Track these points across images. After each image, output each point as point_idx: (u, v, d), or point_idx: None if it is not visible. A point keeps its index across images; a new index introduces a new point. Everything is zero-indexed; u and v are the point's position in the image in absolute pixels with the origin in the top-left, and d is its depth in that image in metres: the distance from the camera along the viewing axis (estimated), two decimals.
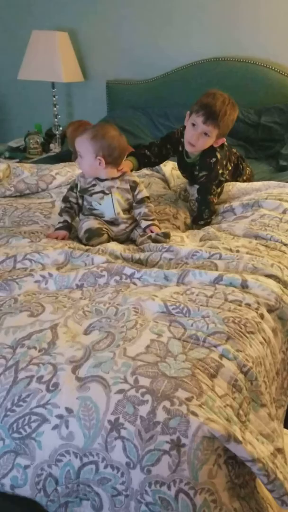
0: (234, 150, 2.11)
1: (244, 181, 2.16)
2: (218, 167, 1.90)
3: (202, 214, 1.90)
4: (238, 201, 1.96)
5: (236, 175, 2.13)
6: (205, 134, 1.81)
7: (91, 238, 1.64)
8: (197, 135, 1.81)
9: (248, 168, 2.19)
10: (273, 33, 2.80)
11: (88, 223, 1.68)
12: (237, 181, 2.13)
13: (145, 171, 2.29)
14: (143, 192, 1.75)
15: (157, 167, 2.32)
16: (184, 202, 2.08)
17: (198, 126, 1.80)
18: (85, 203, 1.74)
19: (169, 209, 1.94)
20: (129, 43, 3.16)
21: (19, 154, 3.24)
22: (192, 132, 1.82)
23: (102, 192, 1.70)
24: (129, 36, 3.15)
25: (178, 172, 2.17)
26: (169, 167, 2.31)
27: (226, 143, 1.95)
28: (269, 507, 0.99)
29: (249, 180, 2.19)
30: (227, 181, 2.04)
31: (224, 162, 1.96)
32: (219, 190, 1.97)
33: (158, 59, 3.07)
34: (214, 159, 1.88)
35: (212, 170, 1.89)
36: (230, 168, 2.04)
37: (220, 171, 1.91)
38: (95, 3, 3.17)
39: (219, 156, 1.89)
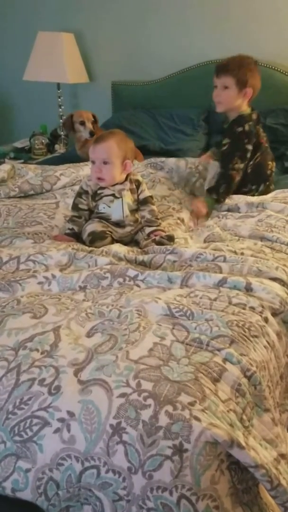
0: (265, 142, 2.08)
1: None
2: (244, 137, 1.93)
3: (219, 188, 1.91)
4: (244, 200, 1.97)
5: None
6: (225, 87, 1.95)
7: (94, 241, 1.63)
8: (218, 92, 1.97)
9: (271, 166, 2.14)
10: (279, 34, 2.79)
11: (91, 226, 1.67)
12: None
13: (149, 169, 2.29)
14: (146, 192, 1.75)
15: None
16: (192, 195, 2.09)
17: (216, 83, 1.98)
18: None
19: (172, 207, 1.95)
20: (134, 44, 3.16)
21: (24, 154, 3.25)
22: (215, 92, 1.99)
23: (113, 195, 1.69)
24: (135, 37, 3.15)
25: (181, 163, 2.19)
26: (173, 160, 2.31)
27: (259, 122, 2.03)
28: None
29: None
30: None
31: (253, 138, 1.98)
32: (242, 166, 1.96)
33: (163, 61, 3.07)
34: (240, 129, 1.94)
35: (236, 138, 1.94)
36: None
37: (246, 143, 1.95)
38: (101, 5, 3.17)
39: (247, 127, 1.94)
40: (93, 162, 1.66)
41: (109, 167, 1.63)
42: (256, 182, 2.07)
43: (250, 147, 1.96)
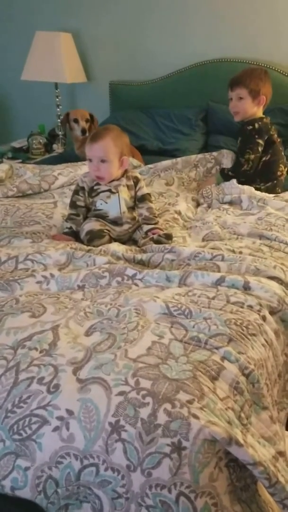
0: (279, 143, 2.18)
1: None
2: (254, 133, 2.07)
3: (229, 172, 2.10)
4: (248, 192, 2.02)
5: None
6: (240, 98, 2.11)
7: (92, 240, 1.63)
8: (235, 103, 2.13)
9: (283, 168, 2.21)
10: (276, 34, 2.79)
11: (89, 225, 1.68)
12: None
13: (149, 165, 2.30)
14: (144, 189, 1.75)
15: None
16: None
17: (230, 96, 2.15)
18: None
19: (168, 202, 1.98)
20: (132, 44, 3.15)
21: (22, 154, 3.25)
22: (231, 104, 2.16)
23: (109, 191, 1.69)
24: (132, 37, 3.14)
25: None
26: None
27: (271, 125, 2.15)
28: (270, 510, 0.99)
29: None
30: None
31: (264, 135, 2.10)
32: (252, 157, 2.07)
33: (161, 60, 3.07)
34: (250, 127, 2.08)
35: (247, 136, 2.08)
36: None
37: (257, 138, 2.07)
38: (99, 4, 3.16)
39: (256, 125, 2.08)
40: (90, 160, 1.66)
41: (107, 165, 1.63)
42: (264, 180, 2.14)
43: (261, 141, 2.09)
